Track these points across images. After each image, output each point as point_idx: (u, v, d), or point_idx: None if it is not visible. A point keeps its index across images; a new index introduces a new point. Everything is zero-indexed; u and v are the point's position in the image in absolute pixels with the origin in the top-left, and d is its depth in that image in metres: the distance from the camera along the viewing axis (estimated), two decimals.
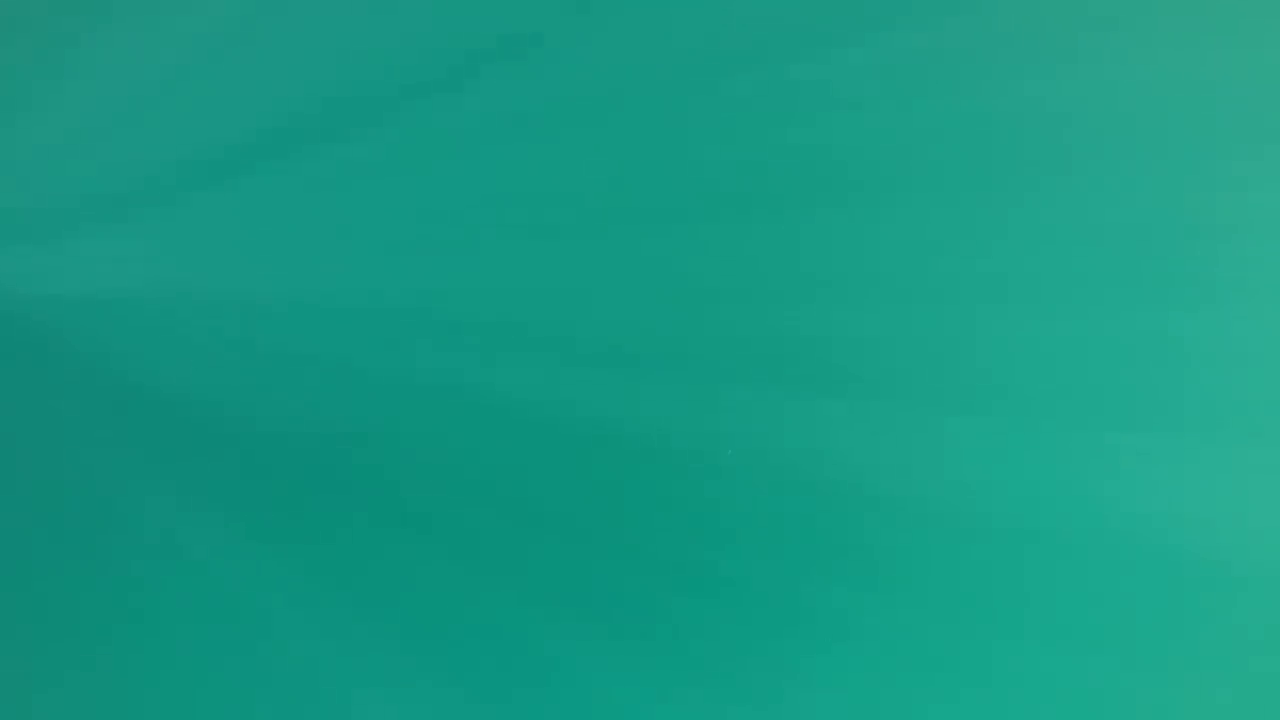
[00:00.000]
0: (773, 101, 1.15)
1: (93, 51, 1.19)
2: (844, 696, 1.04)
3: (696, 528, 1.08)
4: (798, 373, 1.10)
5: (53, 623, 1.06)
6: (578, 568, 1.06)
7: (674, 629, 1.06)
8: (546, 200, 1.15)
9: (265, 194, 1.15)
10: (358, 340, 1.12)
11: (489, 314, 1.12)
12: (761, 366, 1.10)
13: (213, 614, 1.05)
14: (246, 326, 1.12)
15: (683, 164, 1.15)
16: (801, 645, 1.05)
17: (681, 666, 1.05)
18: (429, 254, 1.14)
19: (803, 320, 1.11)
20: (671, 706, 1.04)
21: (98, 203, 1.15)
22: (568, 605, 1.06)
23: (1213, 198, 1.12)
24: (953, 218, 1.12)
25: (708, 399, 1.09)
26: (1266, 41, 1.15)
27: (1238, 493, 1.07)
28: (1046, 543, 1.06)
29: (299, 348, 1.11)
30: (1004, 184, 1.13)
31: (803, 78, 1.15)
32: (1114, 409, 1.09)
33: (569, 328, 1.12)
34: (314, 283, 1.13)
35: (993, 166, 1.13)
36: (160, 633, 1.05)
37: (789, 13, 1.17)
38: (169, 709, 1.04)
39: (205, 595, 1.06)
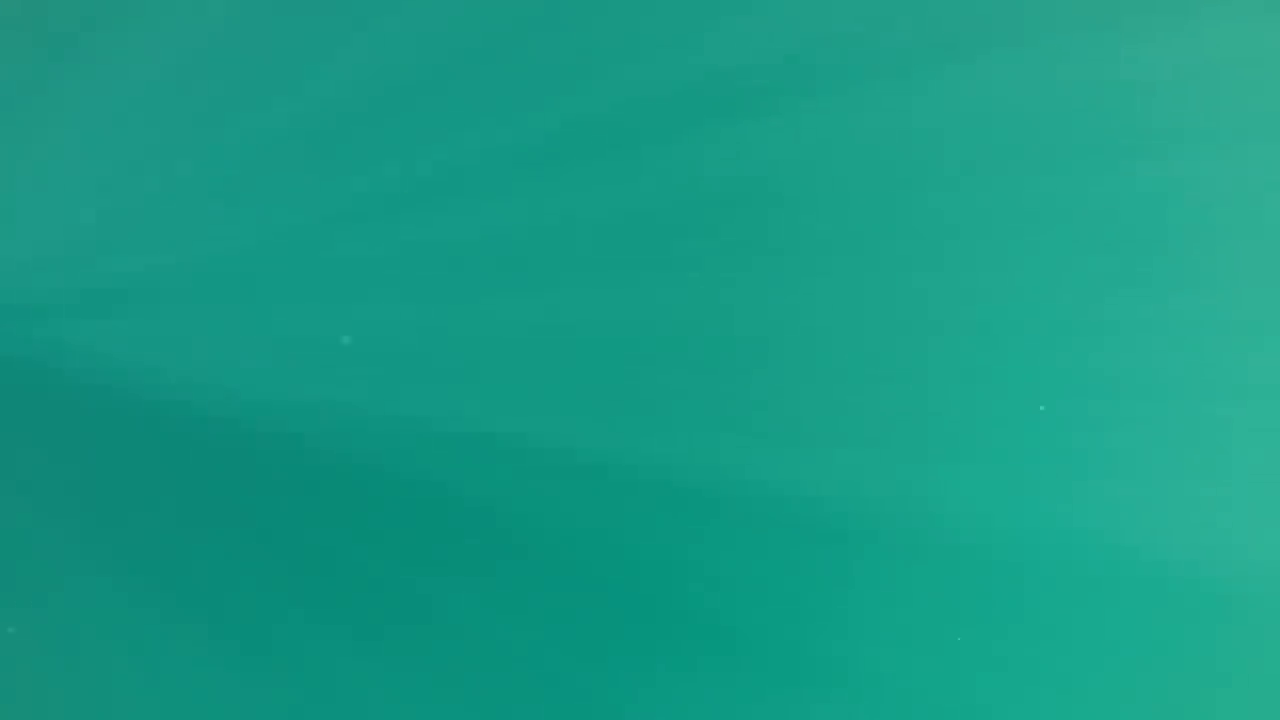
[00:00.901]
0: (750, 126, 1.14)
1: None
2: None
3: (692, 567, 1.10)
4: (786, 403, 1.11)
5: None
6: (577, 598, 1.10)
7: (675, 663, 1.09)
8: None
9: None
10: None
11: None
12: (755, 407, 1.11)
13: None
14: None
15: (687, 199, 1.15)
16: (800, 680, 1.08)
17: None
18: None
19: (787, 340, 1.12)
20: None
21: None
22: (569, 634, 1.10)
23: (1207, 195, 1.11)
24: (931, 237, 1.12)
25: (701, 440, 1.11)
26: (1261, 34, 1.12)
27: (1232, 507, 1.07)
28: (1038, 560, 1.07)
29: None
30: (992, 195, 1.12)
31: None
32: (1104, 419, 1.08)
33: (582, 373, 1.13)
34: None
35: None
36: None
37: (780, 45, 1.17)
38: None
39: None
